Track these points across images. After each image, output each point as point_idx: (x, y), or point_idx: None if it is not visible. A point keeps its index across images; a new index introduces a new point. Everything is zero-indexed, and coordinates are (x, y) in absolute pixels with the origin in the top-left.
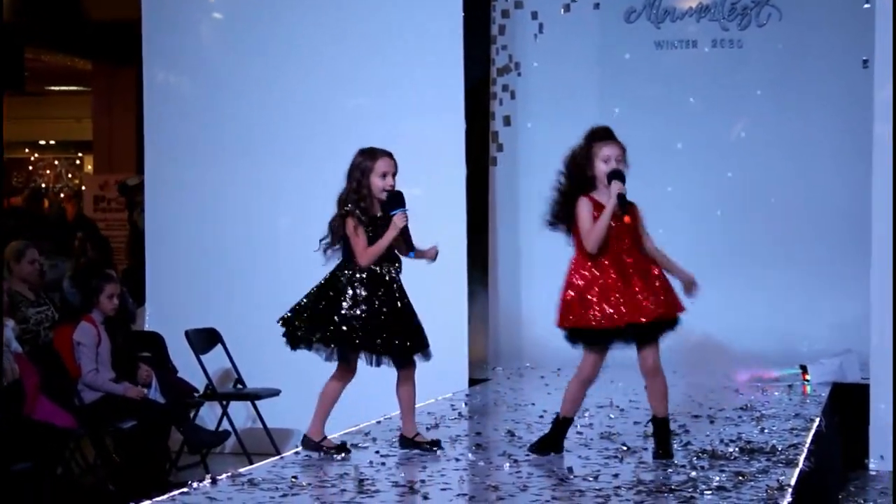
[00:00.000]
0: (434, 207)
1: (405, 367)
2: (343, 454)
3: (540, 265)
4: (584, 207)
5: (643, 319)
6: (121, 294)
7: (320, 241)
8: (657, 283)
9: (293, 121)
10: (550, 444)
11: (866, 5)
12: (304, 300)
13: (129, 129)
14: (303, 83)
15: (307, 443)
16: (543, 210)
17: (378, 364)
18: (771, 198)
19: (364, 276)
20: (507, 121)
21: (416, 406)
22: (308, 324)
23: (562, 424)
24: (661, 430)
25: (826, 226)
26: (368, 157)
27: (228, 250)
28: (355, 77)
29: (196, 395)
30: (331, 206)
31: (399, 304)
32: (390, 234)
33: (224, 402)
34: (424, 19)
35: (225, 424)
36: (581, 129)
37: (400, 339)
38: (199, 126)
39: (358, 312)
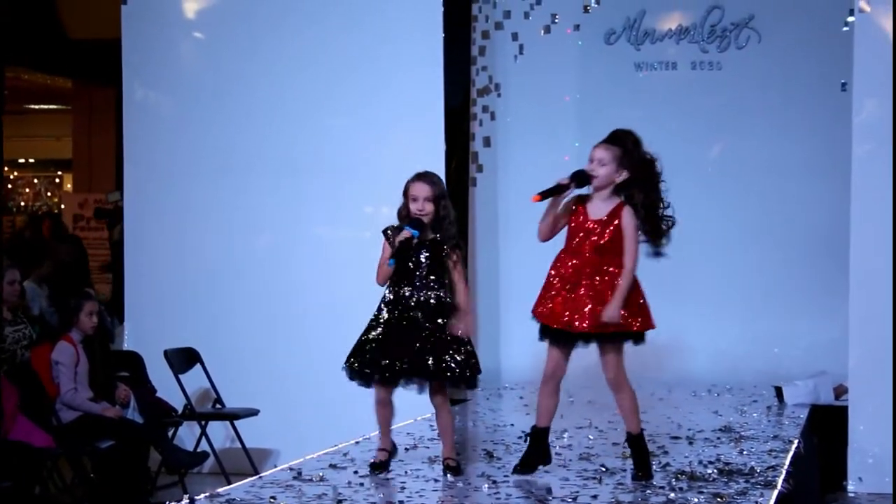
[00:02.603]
0: None
1: (431, 392)
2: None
3: (519, 286)
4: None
5: (574, 326)
6: (99, 312)
7: None
8: (606, 295)
9: (273, 140)
10: (532, 459)
11: (845, 28)
12: None
13: (109, 148)
14: (282, 102)
15: None
16: (523, 231)
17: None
18: (748, 219)
19: (390, 297)
20: (486, 142)
21: (397, 426)
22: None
23: (535, 435)
24: (636, 448)
25: (802, 247)
26: (410, 179)
27: (208, 269)
28: (335, 97)
29: (174, 414)
30: (311, 225)
31: (414, 329)
32: (386, 252)
33: (203, 422)
34: (405, 40)
35: (203, 444)
36: (560, 151)
37: (400, 363)
38: (178, 145)
39: (373, 336)
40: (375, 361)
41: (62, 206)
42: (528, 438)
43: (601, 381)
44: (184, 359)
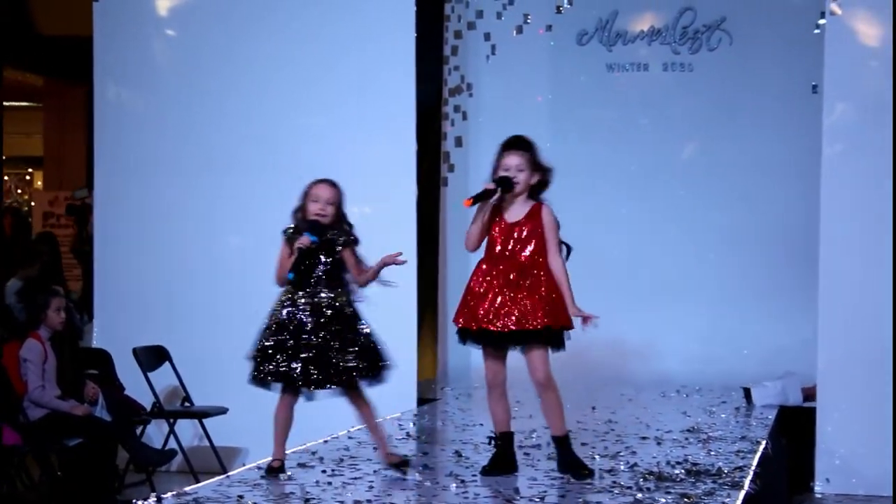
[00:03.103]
0: (384, 227)
1: (348, 392)
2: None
3: None
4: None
5: (492, 327)
6: (68, 309)
7: None
8: (536, 296)
9: (244, 139)
10: (500, 463)
11: (816, 31)
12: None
13: (80, 146)
14: (254, 102)
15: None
16: None
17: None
18: (718, 220)
19: (286, 298)
20: (458, 141)
21: (361, 427)
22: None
23: (501, 440)
24: (564, 451)
25: (772, 248)
26: (311, 182)
27: (177, 268)
28: (307, 96)
29: (143, 412)
30: (280, 225)
31: (313, 333)
32: (285, 252)
33: (171, 420)
34: (377, 39)
35: (172, 443)
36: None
37: (311, 367)
38: (149, 143)
39: (272, 341)
40: (277, 368)
41: (32, 204)
42: (494, 443)
43: (569, 382)
44: (153, 357)
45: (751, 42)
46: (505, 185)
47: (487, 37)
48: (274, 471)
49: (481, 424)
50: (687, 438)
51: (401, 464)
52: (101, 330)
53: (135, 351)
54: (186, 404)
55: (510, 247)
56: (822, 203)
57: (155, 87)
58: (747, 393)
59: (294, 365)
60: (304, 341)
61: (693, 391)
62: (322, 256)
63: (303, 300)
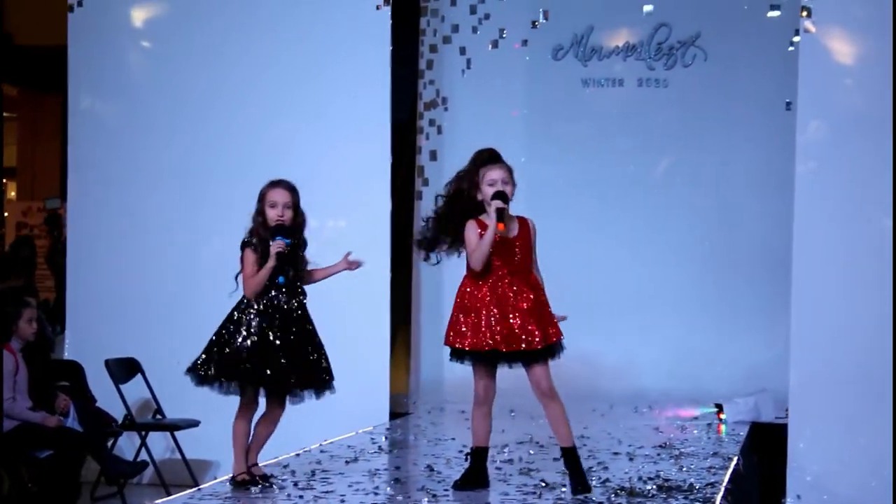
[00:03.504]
0: (358, 240)
1: (277, 403)
2: (253, 486)
3: None
4: (471, 230)
5: (504, 348)
6: (39, 320)
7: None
8: (533, 311)
9: (217, 152)
10: (473, 478)
11: (790, 48)
12: (211, 338)
13: (54, 156)
14: (228, 114)
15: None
16: None
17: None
18: (692, 235)
19: (259, 307)
20: (433, 155)
21: (336, 438)
22: (207, 361)
23: (477, 455)
24: (571, 461)
25: (745, 264)
26: (266, 185)
27: (150, 280)
28: (282, 108)
29: (114, 424)
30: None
31: (294, 337)
32: (269, 264)
33: (143, 433)
34: (352, 52)
35: (143, 455)
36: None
37: (288, 373)
38: (123, 154)
39: (249, 344)
40: (259, 373)
41: (6, 214)
42: (469, 458)
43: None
44: (125, 369)
45: (725, 58)
46: (505, 198)
47: (463, 51)
48: (242, 483)
49: (453, 439)
50: (659, 454)
51: (243, 482)
52: (73, 341)
53: (107, 363)
54: (158, 417)
55: (509, 262)
56: (796, 219)
57: (130, 98)
58: (720, 409)
59: (277, 370)
60: (294, 347)
61: (665, 407)
62: (293, 260)
63: (282, 300)
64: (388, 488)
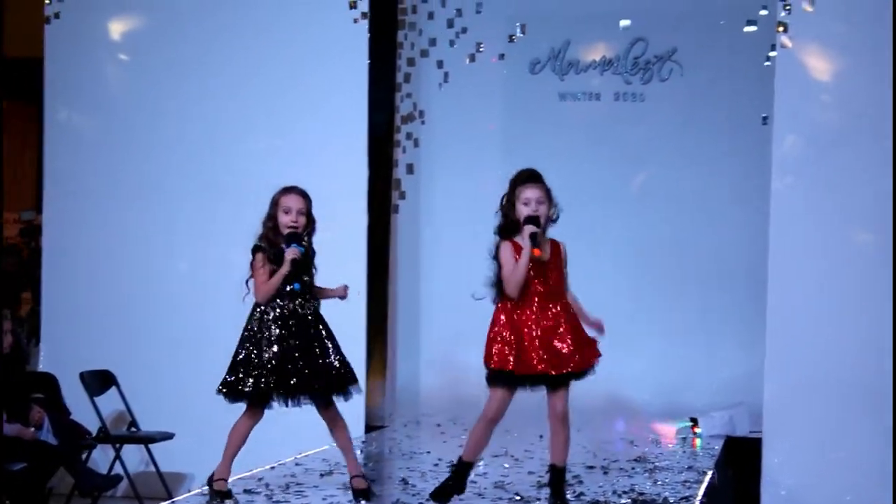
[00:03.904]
0: (335, 254)
1: (325, 408)
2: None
3: (439, 314)
4: (505, 251)
5: (553, 371)
6: (14, 332)
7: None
8: (572, 334)
9: (194, 164)
10: (452, 487)
11: (766, 63)
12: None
13: (29, 168)
14: (205, 126)
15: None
16: (444, 259)
17: (297, 404)
18: (669, 250)
19: (276, 313)
20: (410, 169)
21: (310, 452)
22: (239, 377)
23: (462, 468)
24: (558, 480)
25: (721, 279)
26: (280, 191)
27: (126, 292)
28: (259, 121)
29: (89, 437)
30: (230, 249)
31: (311, 342)
32: (282, 270)
33: (117, 445)
34: (330, 65)
35: (118, 468)
36: (484, 178)
37: (313, 380)
38: (99, 166)
39: (273, 353)
40: (283, 380)
41: None
42: (454, 468)
43: (518, 411)
44: (99, 381)
45: (702, 73)
46: (537, 222)
47: (440, 64)
48: (219, 495)
49: (428, 452)
50: (633, 468)
51: (361, 494)
52: (47, 353)
53: (81, 375)
54: (133, 429)
55: (544, 284)
56: (771, 233)
57: (106, 110)
58: (695, 423)
59: (296, 376)
60: (311, 351)
61: (641, 420)
62: (307, 266)
63: (298, 307)
64: (363, 502)
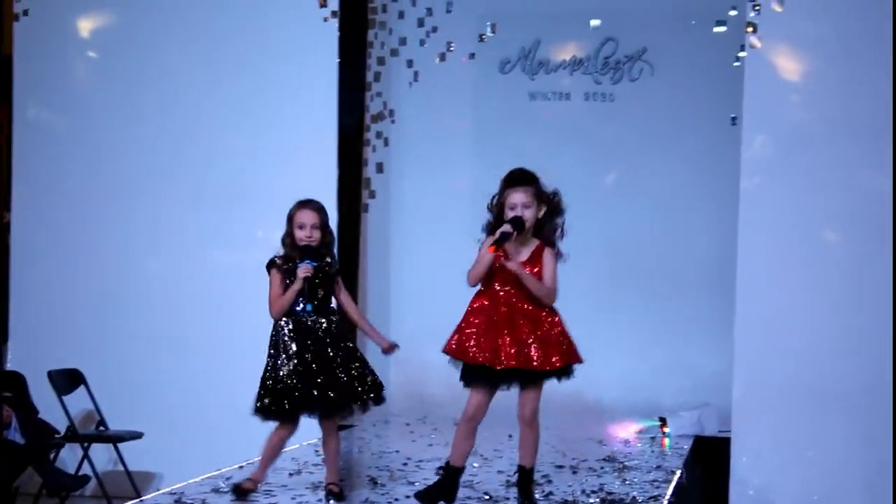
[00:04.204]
0: None
1: (326, 419)
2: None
3: (409, 312)
4: (484, 245)
5: (499, 366)
6: None
7: None
8: (546, 333)
9: (166, 163)
10: (440, 492)
11: (736, 63)
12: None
13: None
14: (176, 125)
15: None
16: (414, 258)
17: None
18: (638, 250)
19: (291, 327)
20: (380, 168)
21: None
22: (264, 396)
23: (449, 472)
24: (525, 481)
25: (690, 279)
26: (294, 206)
27: (95, 291)
28: (229, 120)
29: (57, 436)
30: (202, 247)
31: (327, 356)
32: (295, 287)
33: (85, 444)
34: (300, 64)
35: (86, 467)
36: (454, 178)
37: (330, 392)
38: (70, 164)
39: (291, 369)
40: (303, 396)
41: None
42: (443, 472)
43: (488, 410)
44: (68, 380)
45: (672, 73)
46: (518, 225)
47: (410, 63)
48: (243, 491)
49: (397, 451)
50: (602, 467)
51: (333, 496)
52: (15, 352)
53: (50, 374)
54: (101, 428)
55: (510, 288)
56: (740, 234)
57: (76, 108)
58: (663, 422)
59: (314, 394)
60: (324, 366)
61: (609, 420)
62: (324, 281)
63: (311, 322)
64: (332, 500)
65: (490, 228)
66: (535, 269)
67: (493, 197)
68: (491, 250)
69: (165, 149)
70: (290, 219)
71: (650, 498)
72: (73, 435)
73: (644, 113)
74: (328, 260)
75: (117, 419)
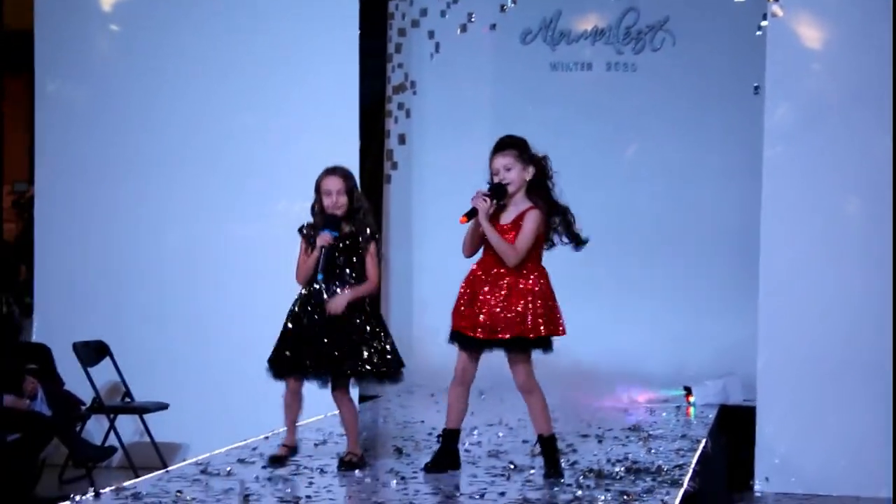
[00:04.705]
0: None
1: (334, 388)
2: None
3: (432, 283)
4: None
5: (479, 335)
6: (7, 303)
7: None
8: (525, 302)
9: (187, 136)
10: (443, 460)
11: (758, 32)
12: None
13: (21, 139)
14: (198, 99)
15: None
16: (437, 228)
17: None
18: (660, 220)
19: (304, 293)
20: (401, 139)
21: (306, 422)
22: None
23: (448, 436)
24: (548, 449)
25: (713, 249)
26: (321, 174)
27: (119, 263)
28: (250, 92)
29: (83, 407)
30: (225, 220)
31: (324, 324)
32: (315, 254)
33: (111, 416)
34: (321, 36)
35: (112, 438)
36: (475, 149)
37: (326, 359)
38: (91, 138)
39: (286, 331)
40: (282, 356)
41: None
42: (441, 439)
43: (511, 379)
44: (93, 352)
45: (694, 43)
46: (498, 191)
47: (431, 35)
48: (279, 459)
49: (422, 421)
50: (628, 437)
51: (346, 465)
52: (41, 324)
53: (75, 346)
54: (127, 400)
55: (492, 256)
56: (763, 203)
57: (97, 82)
58: (688, 392)
59: (310, 359)
60: (324, 333)
61: (635, 390)
62: (342, 246)
63: (325, 295)
64: (357, 471)
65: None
66: (516, 232)
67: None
68: (463, 220)
69: (187, 122)
70: (318, 187)
71: (675, 466)
72: (99, 406)
73: (666, 83)
74: (349, 230)
75: (143, 390)
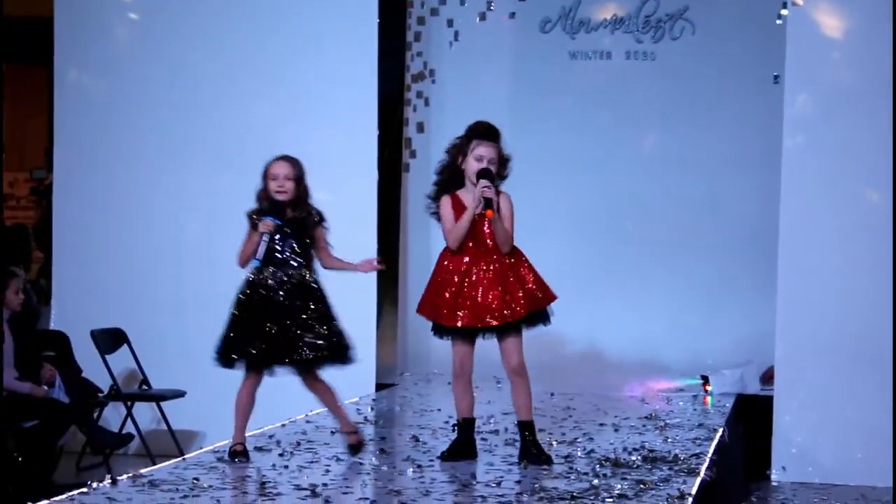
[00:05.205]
0: (345, 213)
1: (302, 377)
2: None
3: None
4: (445, 206)
5: (478, 323)
6: (25, 290)
7: None
8: (514, 285)
9: (205, 126)
10: (460, 449)
11: (778, 21)
12: None
13: (41, 128)
14: (216, 89)
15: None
16: None
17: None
18: (678, 210)
19: (251, 277)
20: (420, 127)
21: (321, 410)
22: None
23: (463, 427)
24: (533, 434)
25: (731, 239)
26: (269, 161)
27: (136, 251)
28: (269, 82)
29: (100, 395)
30: (242, 209)
31: (277, 310)
32: (254, 240)
33: (128, 403)
34: (340, 25)
35: (129, 426)
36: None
37: (268, 346)
38: (109, 127)
39: (230, 318)
40: (236, 346)
41: None
42: (456, 429)
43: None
44: (110, 339)
45: (713, 31)
46: (492, 179)
47: (450, 23)
48: (237, 454)
49: (439, 410)
50: (644, 425)
51: (356, 445)
52: (58, 312)
53: (93, 333)
54: (144, 387)
55: (481, 238)
56: (783, 193)
57: (116, 71)
58: (705, 381)
59: (257, 344)
60: (268, 318)
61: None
62: (288, 235)
63: (269, 280)
64: (374, 458)
65: (443, 182)
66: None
67: (451, 147)
68: (490, 214)
69: (206, 111)
70: (265, 173)
71: (692, 455)
72: (116, 394)
73: (685, 72)
74: (290, 217)
75: (160, 378)
